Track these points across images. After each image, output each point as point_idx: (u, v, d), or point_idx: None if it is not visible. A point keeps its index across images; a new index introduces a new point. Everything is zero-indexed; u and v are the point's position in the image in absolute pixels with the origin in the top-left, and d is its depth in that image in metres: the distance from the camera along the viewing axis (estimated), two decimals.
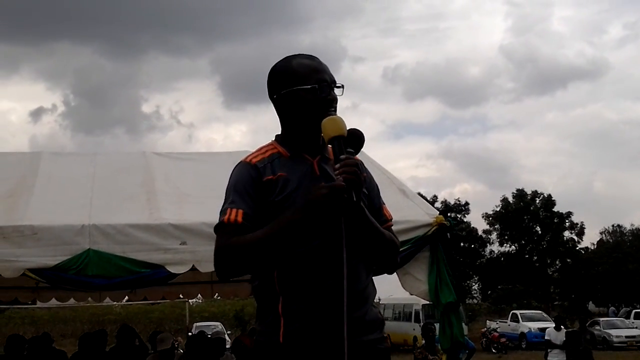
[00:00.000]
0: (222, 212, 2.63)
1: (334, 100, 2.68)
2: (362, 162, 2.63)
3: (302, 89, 2.68)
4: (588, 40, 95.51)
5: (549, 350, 16.37)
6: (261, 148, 2.77)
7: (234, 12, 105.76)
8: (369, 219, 2.61)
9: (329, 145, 2.60)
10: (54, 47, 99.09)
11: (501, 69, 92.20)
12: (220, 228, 2.62)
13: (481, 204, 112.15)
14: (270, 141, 2.80)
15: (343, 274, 2.53)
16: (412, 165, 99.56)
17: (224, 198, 2.69)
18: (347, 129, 2.60)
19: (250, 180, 2.66)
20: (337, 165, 2.48)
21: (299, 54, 2.79)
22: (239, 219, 2.58)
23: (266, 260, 2.57)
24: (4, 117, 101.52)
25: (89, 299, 12.29)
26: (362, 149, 2.73)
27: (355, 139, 2.66)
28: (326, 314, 2.53)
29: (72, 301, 12.22)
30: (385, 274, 3.35)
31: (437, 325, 7.30)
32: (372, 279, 2.76)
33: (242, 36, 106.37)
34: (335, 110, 2.67)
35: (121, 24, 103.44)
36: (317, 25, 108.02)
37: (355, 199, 2.46)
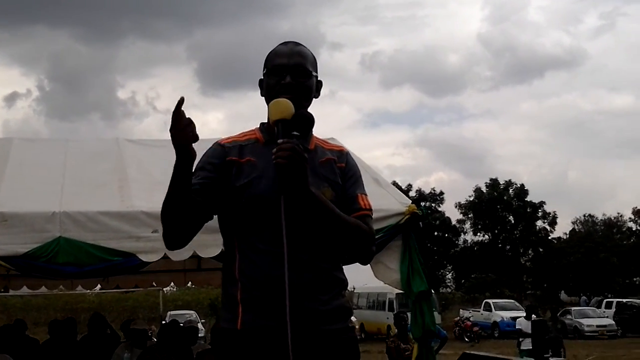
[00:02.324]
0: None
1: (289, 86, 2.66)
2: (303, 146, 2.50)
3: (264, 73, 2.76)
4: (564, 29, 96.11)
5: (520, 339, 16.54)
6: (241, 132, 2.81)
7: None
8: (320, 204, 2.54)
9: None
10: (29, 31, 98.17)
11: (479, 57, 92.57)
12: None
13: (456, 193, 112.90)
14: (256, 127, 2.82)
15: (282, 260, 2.53)
16: (388, 153, 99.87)
17: None
18: (295, 111, 2.57)
19: (212, 156, 2.69)
20: (274, 150, 2.44)
21: (284, 41, 2.84)
22: None
23: (184, 213, 2.55)
24: None
25: (61, 286, 12.22)
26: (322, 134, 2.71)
27: (303, 121, 2.64)
28: (275, 304, 2.52)
29: (43, 289, 12.15)
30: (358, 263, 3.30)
31: (409, 314, 7.33)
32: (338, 268, 2.72)
33: (221, 21, 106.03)
34: (293, 96, 2.64)
35: (98, 9, 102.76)
36: (296, 12, 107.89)
37: (286, 184, 2.43)
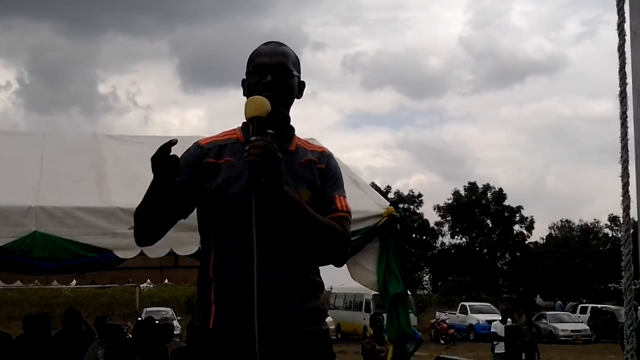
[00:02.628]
0: None
1: (269, 84, 2.66)
2: (279, 145, 2.51)
3: (246, 73, 2.77)
4: (546, 35, 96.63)
5: (495, 342, 16.60)
6: (223, 132, 2.81)
7: None
8: (292, 204, 2.53)
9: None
10: (9, 23, 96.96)
11: (461, 61, 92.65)
12: None
13: (436, 195, 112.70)
14: (238, 126, 2.80)
15: (251, 261, 2.52)
16: (368, 154, 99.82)
17: None
18: (271, 109, 2.56)
19: (190, 158, 2.70)
20: (246, 147, 2.44)
21: (267, 41, 2.84)
22: None
23: (157, 219, 2.63)
24: None
25: (36, 281, 12.13)
26: (315, 138, 2.72)
27: (278, 119, 2.62)
28: (246, 304, 2.51)
29: (18, 283, 12.06)
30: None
31: (385, 316, 7.34)
32: (313, 270, 2.71)
33: (204, 18, 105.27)
34: (274, 96, 2.64)
35: (80, 2, 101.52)
36: (278, 11, 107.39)
37: (258, 182, 2.42)
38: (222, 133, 2.80)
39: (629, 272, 2.06)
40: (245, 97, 2.72)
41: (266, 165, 2.41)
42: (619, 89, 2.13)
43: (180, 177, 2.61)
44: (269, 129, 2.50)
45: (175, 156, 2.45)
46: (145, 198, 2.57)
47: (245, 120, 2.71)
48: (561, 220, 66.78)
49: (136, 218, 2.65)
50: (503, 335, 16.09)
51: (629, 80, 2.09)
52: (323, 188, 2.72)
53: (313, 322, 2.65)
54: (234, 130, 2.79)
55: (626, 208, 2.11)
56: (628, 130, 2.12)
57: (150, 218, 2.61)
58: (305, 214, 2.55)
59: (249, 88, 2.71)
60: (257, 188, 2.45)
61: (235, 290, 2.55)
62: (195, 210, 2.76)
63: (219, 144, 2.73)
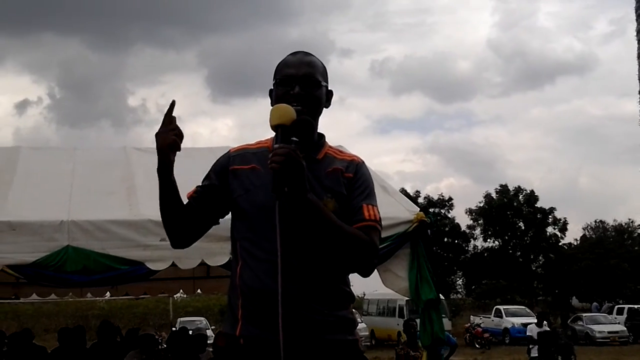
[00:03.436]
0: None
1: (298, 96, 2.64)
2: (305, 153, 2.51)
3: (273, 84, 2.76)
4: (575, 35, 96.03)
5: (530, 346, 16.45)
6: (259, 141, 2.83)
7: (223, 4, 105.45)
8: (317, 212, 2.50)
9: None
10: (40, 39, 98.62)
11: (489, 63, 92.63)
12: None
13: (467, 199, 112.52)
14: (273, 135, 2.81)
15: (276, 269, 2.52)
16: (398, 160, 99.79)
17: None
18: (295, 117, 2.54)
19: (217, 164, 2.80)
20: (270, 155, 2.44)
21: (294, 51, 2.83)
22: (188, 194, 2.78)
23: (174, 215, 2.70)
24: None
25: (70, 293, 12.24)
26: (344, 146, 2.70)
27: (302, 127, 2.59)
28: (270, 314, 2.51)
29: (53, 296, 12.19)
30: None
31: (418, 322, 7.30)
32: (341, 279, 2.67)
33: (230, 29, 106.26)
34: (303, 107, 2.64)
35: (108, 16, 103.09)
36: (305, 19, 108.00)
37: (281, 189, 2.42)
38: (257, 142, 2.82)
39: None
40: None
41: (289, 172, 2.40)
42: (638, 96, 2.08)
43: (206, 183, 2.75)
44: (293, 137, 2.48)
45: (177, 126, 2.62)
46: (159, 190, 2.68)
47: None
48: (595, 221, 66.27)
49: (162, 219, 2.73)
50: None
51: None
52: (351, 197, 2.67)
53: (340, 331, 2.62)
54: (268, 139, 2.77)
55: None
56: None
57: (167, 214, 2.70)
58: (330, 222, 2.52)
59: (277, 99, 2.68)
60: (280, 196, 2.44)
61: (261, 299, 2.54)
62: (229, 220, 2.78)
63: (250, 152, 2.75)
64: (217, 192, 2.72)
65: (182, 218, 2.70)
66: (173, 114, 2.64)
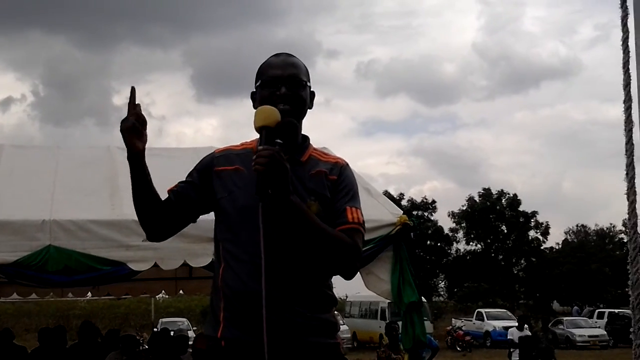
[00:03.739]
0: None
1: (284, 97, 2.65)
2: (288, 155, 2.50)
3: (257, 86, 2.76)
4: (560, 40, 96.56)
5: (511, 349, 16.53)
6: (244, 142, 2.82)
7: (210, 3, 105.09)
8: (300, 214, 2.49)
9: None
10: (26, 36, 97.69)
11: (475, 67, 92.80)
12: None
13: (450, 202, 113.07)
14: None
15: (259, 272, 2.53)
16: (382, 162, 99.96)
17: None
18: (280, 119, 2.55)
19: (200, 164, 2.80)
20: (253, 156, 2.44)
21: (276, 53, 2.82)
22: (169, 189, 2.77)
23: (146, 205, 2.70)
24: None
25: (51, 293, 12.17)
26: (328, 148, 2.70)
27: (287, 129, 2.60)
28: (252, 316, 2.51)
29: (34, 296, 12.12)
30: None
31: (400, 324, 7.31)
32: (323, 282, 2.67)
33: (217, 28, 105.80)
34: (290, 107, 2.65)
35: (94, 14, 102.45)
36: (292, 19, 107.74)
37: (264, 191, 2.41)
38: (242, 143, 2.81)
39: (637, 291, 2.01)
40: None
41: (272, 174, 2.39)
42: (623, 105, 2.11)
43: (188, 179, 2.75)
44: (277, 139, 2.48)
45: (138, 110, 2.63)
46: (132, 182, 2.69)
47: None
48: (577, 225, 66.66)
49: (135, 208, 2.72)
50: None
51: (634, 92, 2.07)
52: (334, 200, 2.67)
53: (322, 334, 2.61)
54: (253, 140, 2.77)
55: (634, 225, 2.08)
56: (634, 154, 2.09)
57: (138, 203, 2.69)
58: (313, 224, 2.51)
59: (262, 101, 2.67)
60: (263, 197, 2.43)
61: (243, 301, 2.54)
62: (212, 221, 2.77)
63: (234, 153, 2.75)
64: (197, 190, 2.72)
65: (155, 209, 2.69)
66: (137, 102, 2.64)
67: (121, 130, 2.61)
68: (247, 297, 2.53)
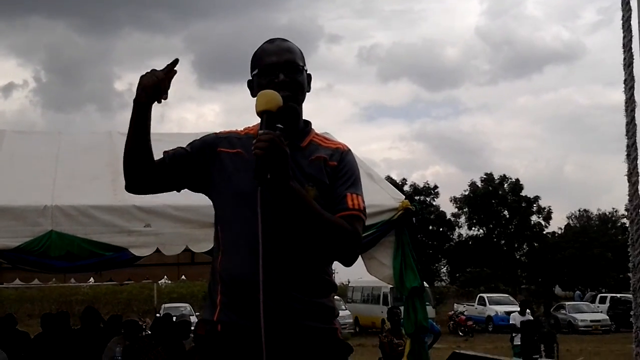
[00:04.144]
0: None
1: (282, 83, 2.62)
2: (289, 140, 2.48)
3: (253, 74, 2.74)
4: (563, 24, 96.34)
5: (513, 334, 16.55)
6: (246, 127, 2.80)
7: None
8: (299, 199, 2.47)
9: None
10: (27, 22, 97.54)
11: (478, 51, 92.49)
12: None
13: (453, 187, 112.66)
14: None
15: (257, 256, 2.50)
16: (385, 147, 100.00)
17: None
18: (282, 104, 2.53)
19: (202, 139, 2.76)
20: (254, 141, 2.41)
21: (269, 39, 2.79)
22: (166, 151, 2.72)
23: (138, 156, 2.63)
24: None
25: (54, 279, 12.19)
26: (329, 132, 2.69)
27: (288, 113, 2.59)
28: (250, 301, 2.50)
29: (36, 281, 12.15)
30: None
31: (402, 309, 7.32)
32: (321, 268, 2.64)
33: (218, 13, 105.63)
34: (291, 93, 2.63)
35: None
36: (293, 4, 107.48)
37: (263, 175, 2.38)
38: (245, 128, 2.80)
39: (638, 274, 2.01)
40: (255, 98, 2.69)
41: (272, 159, 2.36)
42: (624, 85, 2.09)
43: (187, 149, 2.71)
44: (278, 124, 2.46)
45: (170, 79, 2.58)
46: (130, 127, 2.62)
47: None
48: (579, 210, 66.57)
49: (124, 155, 2.65)
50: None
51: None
52: (334, 186, 2.65)
53: (319, 319, 2.60)
54: (255, 125, 2.73)
55: (636, 208, 2.07)
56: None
57: (133, 146, 2.62)
58: (312, 210, 2.49)
59: (260, 89, 2.63)
60: (262, 182, 2.41)
61: (240, 286, 2.53)
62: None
63: (236, 137, 2.73)
64: (192, 162, 2.68)
65: (146, 164, 2.63)
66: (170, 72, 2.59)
67: (144, 77, 2.54)
68: (244, 281, 2.52)
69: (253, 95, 2.69)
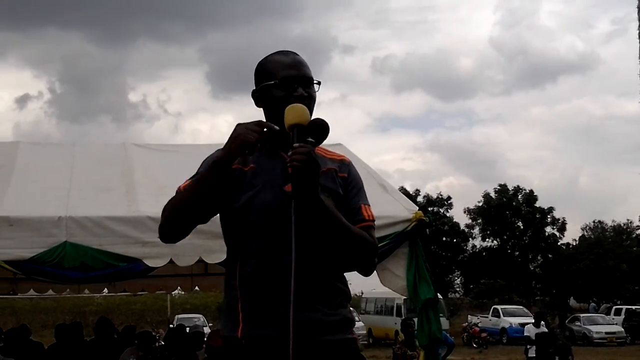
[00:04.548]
0: None
1: (300, 97, 2.63)
2: (317, 155, 2.47)
3: (268, 84, 2.69)
4: (577, 34, 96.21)
5: (528, 346, 16.45)
6: None
7: (226, 0, 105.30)
8: (326, 212, 2.52)
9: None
10: (42, 33, 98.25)
11: (492, 61, 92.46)
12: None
13: (467, 197, 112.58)
14: None
15: (289, 270, 2.49)
16: (398, 158, 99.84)
17: None
18: (312, 118, 2.55)
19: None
20: (289, 153, 2.41)
21: (279, 50, 2.78)
22: (187, 182, 2.66)
23: (197, 210, 2.56)
24: None
25: (68, 290, 12.23)
26: (339, 144, 2.69)
27: (319, 129, 2.59)
28: (278, 313, 2.50)
29: (50, 292, 12.19)
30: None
31: (416, 320, 7.29)
32: (341, 278, 2.69)
33: (233, 24, 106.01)
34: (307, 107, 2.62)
35: (110, 11, 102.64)
36: (307, 15, 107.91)
37: (299, 189, 2.41)
38: None
39: None
40: (261, 109, 2.72)
41: (308, 172, 2.39)
42: None
43: None
44: (308, 138, 2.48)
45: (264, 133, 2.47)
46: (200, 182, 2.54)
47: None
48: (594, 221, 66.39)
49: (172, 210, 2.58)
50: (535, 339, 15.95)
51: None
52: (347, 197, 2.71)
53: (342, 331, 2.63)
54: None
55: None
56: None
57: (192, 208, 2.54)
58: (340, 222, 2.55)
59: (276, 101, 2.64)
60: (298, 195, 2.44)
61: (266, 299, 2.53)
62: (219, 219, 2.72)
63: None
64: (218, 189, 2.60)
65: (199, 220, 2.59)
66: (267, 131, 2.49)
67: (244, 134, 2.44)
68: (270, 294, 2.52)
69: (260, 105, 2.72)
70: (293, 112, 2.52)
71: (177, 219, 2.59)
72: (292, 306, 2.47)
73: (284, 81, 2.66)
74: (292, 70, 2.68)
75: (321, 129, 2.61)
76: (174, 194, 2.65)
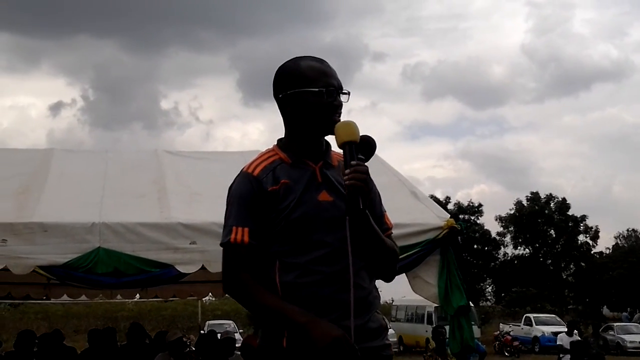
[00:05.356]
0: (227, 229, 2.61)
1: (339, 106, 2.67)
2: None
3: (308, 91, 2.65)
4: (610, 41, 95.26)
5: (561, 355, 16.29)
6: (262, 154, 2.74)
7: (258, 8, 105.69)
8: (373, 226, 2.60)
9: (341, 150, 2.58)
10: (75, 41, 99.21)
11: (524, 69, 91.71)
12: (228, 248, 2.60)
13: (498, 205, 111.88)
14: (272, 146, 2.77)
15: (348, 281, 2.56)
16: (429, 165, 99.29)
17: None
18: (360, 135, 2.58)
19: (252, 193, 2.62)
20: (347, 171, 2.47)
21: (308, 56, 2.76)
22: (246, 238, 2.57)
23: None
24: (24, 112, 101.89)
25: (100, 295, 12.32)
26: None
27: (367, 146, 2.63)
28: (334, 322, 2.51)
29: (83, 297, 12.29)
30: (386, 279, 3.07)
31: (447, 328, 7.26)
32: (375, 286, 2.75)
33: (264, 32, 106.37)
34: (340, 117, 2.66)
35: (142, 19, 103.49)
36: (338, 23, 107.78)
37: (362, 206, 2.46)
38: (264, 155, 2.72)
39: None
40: (295, 114, 2.68)
41: (367, 189, 2.48)
42: None
43: (258, 222, 2.59)
44: (359, 154, 2.55)
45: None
46: (274, 313, 2.54)
47: (281, 137, 2.76)
48: (627, 230, 65.47)
49: (239, 299, 2.62)
50: (569, 348, 15.79)
51: None
52: (372, 205, 2.71)
53: (379, 336, 2.68)
54: (273, 150, 2.74)
55: None
56: None
57: (260, 318, 2.64)
58: (379, 236, 2.65)
59: (316, 108, 2.63)
60: (354, 211, 2.48)
61: (312, 308, 2.52)
62: None
63: (269, 168, 2.65)
64: (266, 219, 2.60)
65: None
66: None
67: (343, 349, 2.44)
68: (329, 305, 2.54)
69: (294, 111, 2.69)
70: (346, 129, 2.56)
71: (237, 299, 2.64)
72: (353, 316, 2.54)
73: (329, 90, 2.65)
74: (334, 80, 2.68)
75: (369, 146, 2.66)
76: (233, 256, 2.59)
